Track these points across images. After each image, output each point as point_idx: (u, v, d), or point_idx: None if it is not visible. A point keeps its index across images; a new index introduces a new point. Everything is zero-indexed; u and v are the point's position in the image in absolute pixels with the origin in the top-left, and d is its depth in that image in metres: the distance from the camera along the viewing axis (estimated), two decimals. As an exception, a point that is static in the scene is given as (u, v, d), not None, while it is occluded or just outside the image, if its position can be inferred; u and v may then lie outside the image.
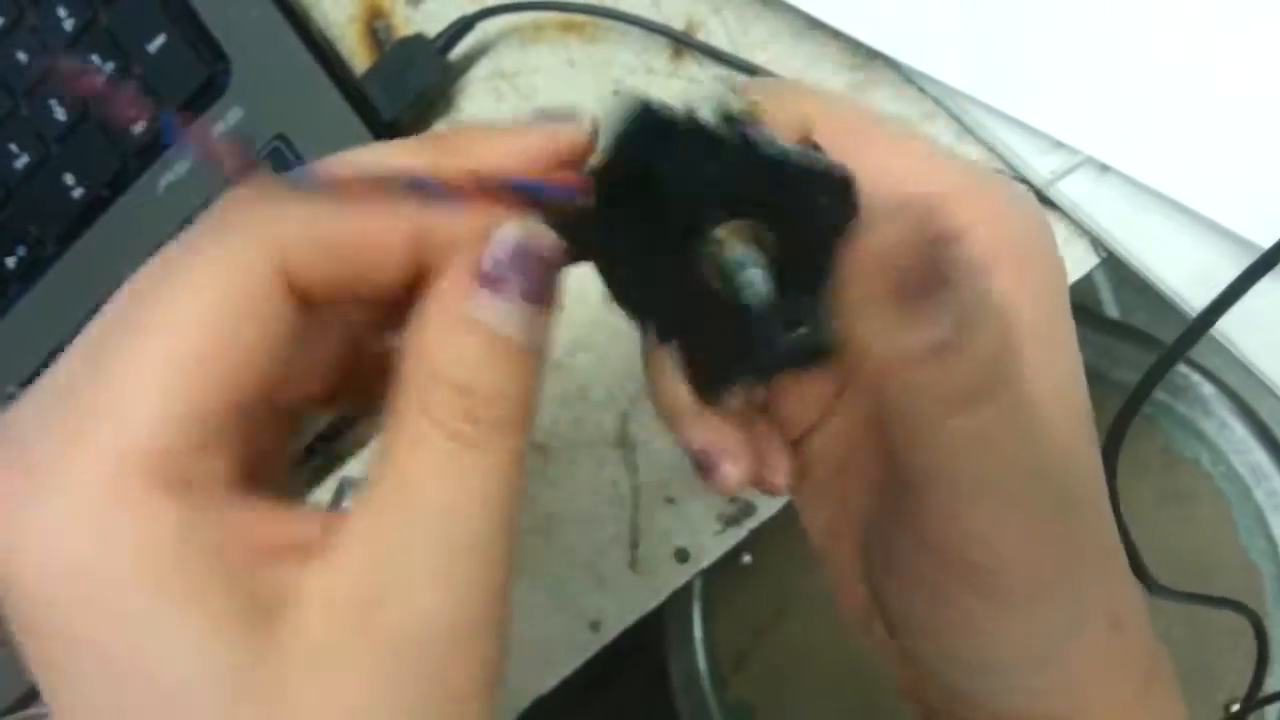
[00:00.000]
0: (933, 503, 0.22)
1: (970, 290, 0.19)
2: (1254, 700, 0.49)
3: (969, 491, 0.22)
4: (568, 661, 0.48)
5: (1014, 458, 0.21)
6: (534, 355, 0.22)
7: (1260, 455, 0.64)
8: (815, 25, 0.43)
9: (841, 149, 0.25)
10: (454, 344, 0.21)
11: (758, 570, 0.72)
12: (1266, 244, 0.37)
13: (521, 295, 0.21)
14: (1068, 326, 0.25)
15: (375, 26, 0.49)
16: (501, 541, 0.21)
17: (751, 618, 0.75)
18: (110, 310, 0.21)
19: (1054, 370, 0.25)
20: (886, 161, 0.24)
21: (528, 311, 0.21)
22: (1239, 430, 0.64)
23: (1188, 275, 0.40)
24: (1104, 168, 0.40)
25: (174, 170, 0.49)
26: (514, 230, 0.22)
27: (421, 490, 0.20)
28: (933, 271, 0.19)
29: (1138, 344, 0.62)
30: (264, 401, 0.21)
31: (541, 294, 0.22)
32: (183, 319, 0.20)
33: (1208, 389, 0.63)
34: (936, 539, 0.23)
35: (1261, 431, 0.64)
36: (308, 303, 0.22)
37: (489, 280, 0.21)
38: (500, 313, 0.21)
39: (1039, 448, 0.22)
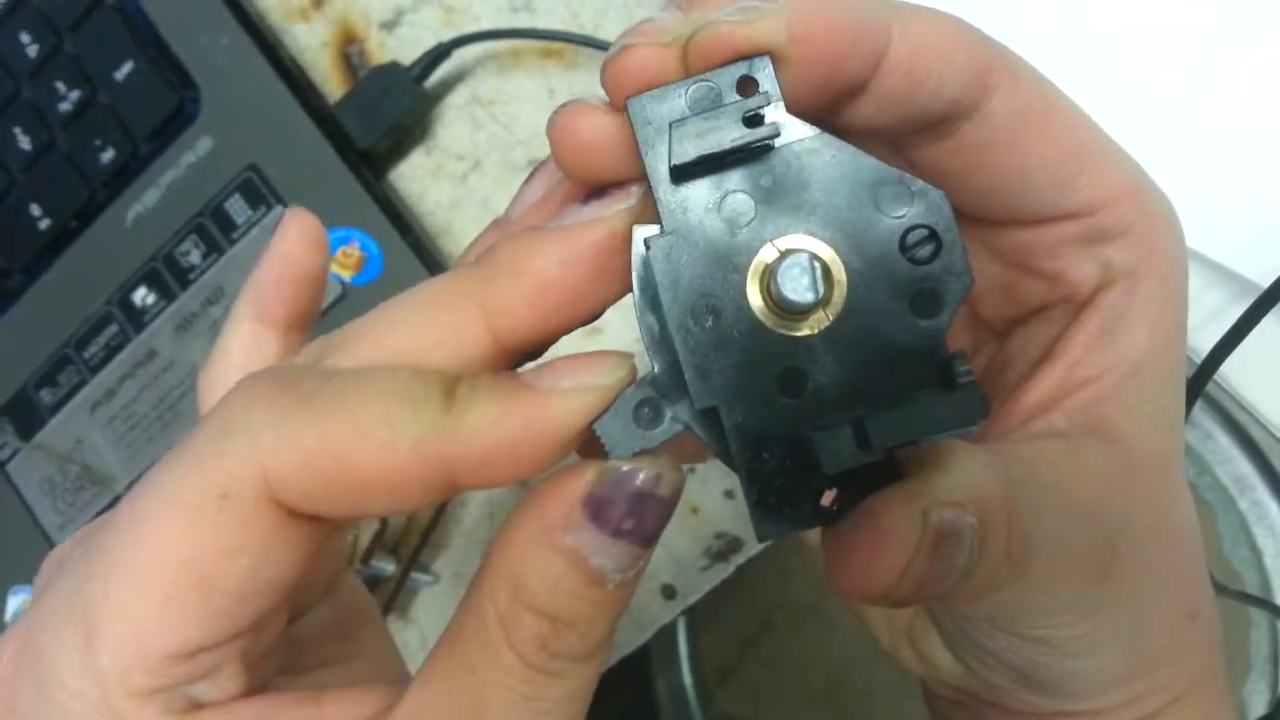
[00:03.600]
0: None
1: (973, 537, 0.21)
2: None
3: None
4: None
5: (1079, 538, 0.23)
6: (628, 587, 0.20)
7: (1244, 466, 0.64)
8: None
9: (1010, 132, 0.22)
10: (545, 569, 0.19)
11: (743, 584, 0.71)
12: (1260, 280, 0.37)
13: (628, 537, 0.19)
14: (1180, 359, 0.25)
15: (349, 53, 0.48)
16: None
17: (738, 632, 0.75)
18: (119, 514, 0.20)
19: (1156, 397, 0.24)
20: (1054, 145, 0.23)
21: (631, 551, 0.20)
22: (1223, 441, 0.64)
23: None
24: (1094, 202, 0.39)
25: (143, 201, 0.47)
26: (638, 473, 0.19)
27: (494, 712, 0.20)
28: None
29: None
30: (275, 612, 0.21)
31: (653, 539, 0.20)
32: (178, 550, 0.19)
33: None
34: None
35: (1245, 442, 0.64)
36: (316, 520, 0.20)
37: (594, 513, 0.19)
38: (600, 548, 0.19)
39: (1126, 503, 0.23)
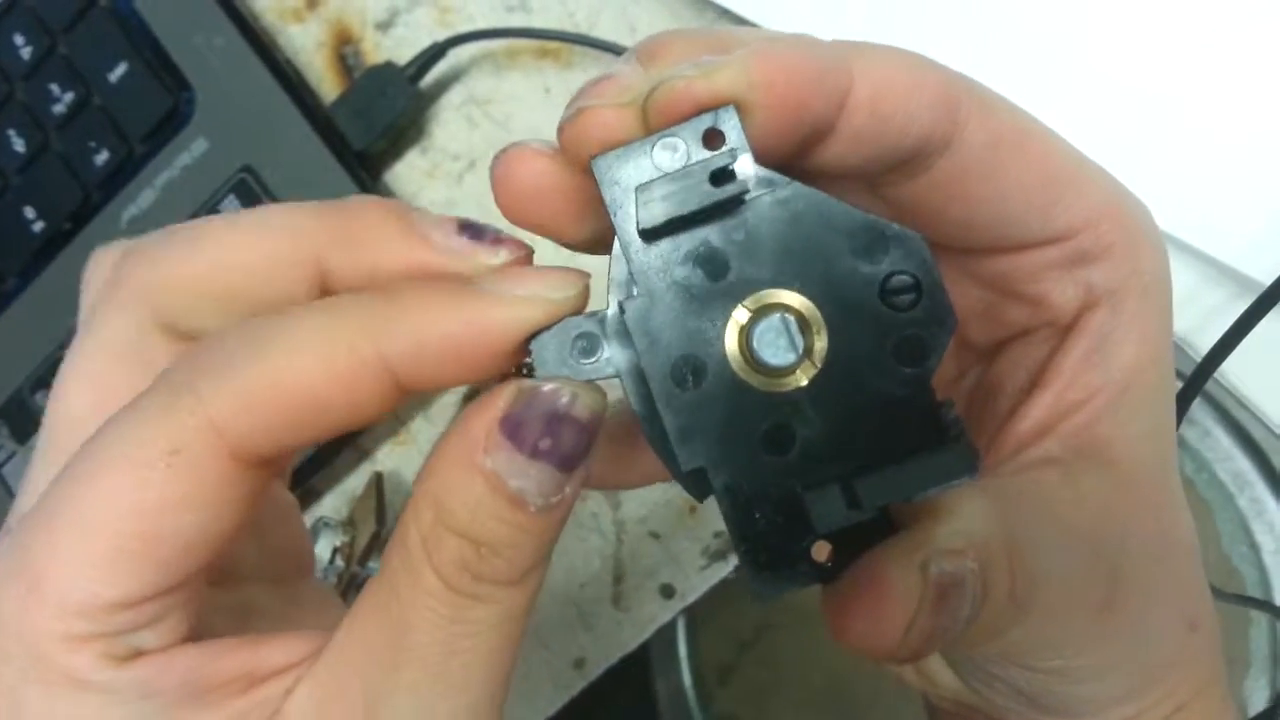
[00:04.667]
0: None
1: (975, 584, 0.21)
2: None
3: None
4: (551, 700, 0.47)
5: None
6: (554, 512, 0.20)
7: (1243, 463, 0.64)
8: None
9: (985, 163, 0.22)
10: (465, 491, 0.19)
11: (743, 584, 0.71)
12: (1260, 277, 0.37)
13: (546, 457, 0.19)
14: (1169, 370, 0.25)
15: (344, 53, 0.48)
16: (493, 692, 0.21)
17: (736, 631, 0.75)
18: (66, 472, 0.20)
19: (1148, 413, 0.24)
20: (1030, 171, 0.23)
21: (550, 474, 0.20)
22: (1222, 438, 0.64)
23: (1177, 305, 0.39)
24: (1092, 199, 0.39)
25: (138, 203, 0.47)
26: (554, 393, 0.20)
27: (417, 635, 0.20)
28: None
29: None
30: (218, 557, 0.21)
31: (571, 461, 0.20)
32: (126, 504, 0.19)
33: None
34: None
35: (1244, 439, 0.64)
36: (262, 462, 0.21)
37: (510, 432, 0.19)
38: (518, 469, 0.19)
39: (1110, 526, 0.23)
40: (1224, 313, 0.38)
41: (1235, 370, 0.40)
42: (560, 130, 0.20)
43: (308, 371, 0.19)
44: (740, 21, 0.42)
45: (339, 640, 0.21)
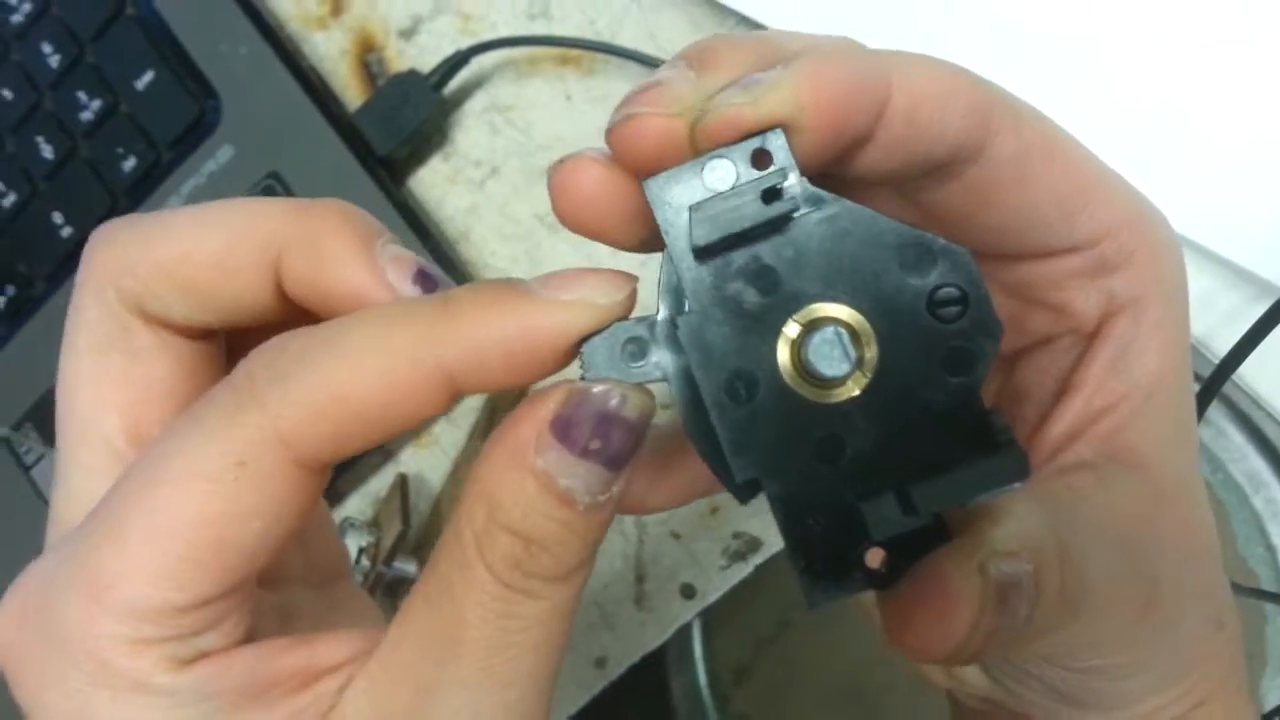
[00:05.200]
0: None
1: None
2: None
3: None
4: (573, 699, 0.47)
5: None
6: (601, 511, 0.21)
7: (1258, 463, 0.64)
8: (815, 59, 0.42)
9: (1015, 171, 0.23)
10: (518, 490, 0.20)
11: (759, 583, 0.72)
12: (1273, 278, 0.37)
13: (595, 457, 0.20)
14: (1188, 376, 0.26)
15: (368, 61, 0.48)
16: (540, 686, 0.21)
17: (753, 630, 0.75)
18: (131, 482, 0.21)
19: (1172, 418, 0.25)
20: (1058, 180, 0.23)
21: (598, 473, 0.20)
22: (1236, 438, 0.64)
23: (1193, 308, 0.40)
24: (1109, 203, 0.39)
25: (165, 209, 0.48)
26: (605, 394, 0.20)
27: (469, 630, 0.20)
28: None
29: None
30: (276, 560, 0.22)
31: (620, 461, 0.20)
32: (196, 515, 0.20)
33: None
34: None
35: (1259, 439, 0.64)
36: (321, 468, 0.21)
37: (561, 432, 0.20)
38: (568, 468, 0.20)
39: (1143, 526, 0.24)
40: (1240, 315, 0.38)
41: (1250, 372, 0.41)
42: (609, 134, 0.20)
43: (371, 381, 0.20)
44: (759, 28, 0.43)
45: (392, 637, 0.21)
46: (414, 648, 0.21)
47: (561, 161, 0.21)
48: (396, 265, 0.23)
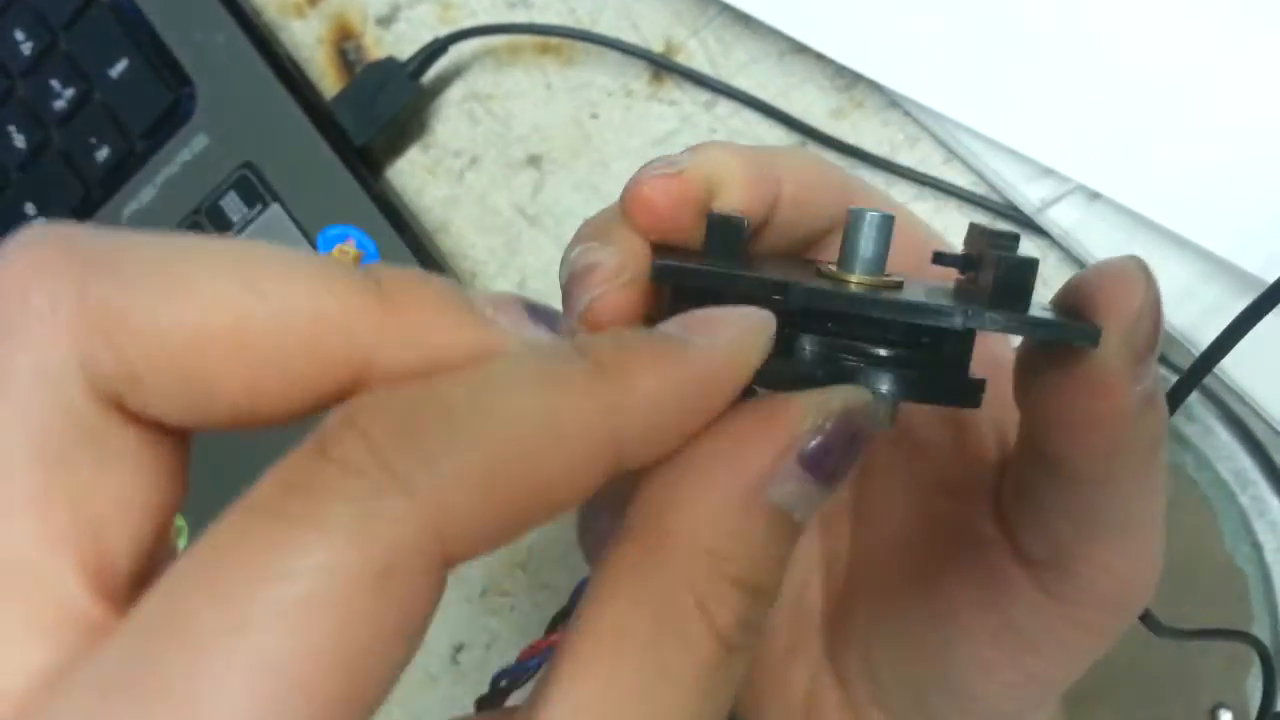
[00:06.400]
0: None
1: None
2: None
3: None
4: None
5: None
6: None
7: (1245, 461, 0.64)
8: (798, 48, 0.42)
9: None
10: (748, 534, 0.17)
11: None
12: (1257, 272, 0.37)
13: (836, 480, 0.18)
14: None
15: (345, 49, 0.48)
16: None
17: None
18: (212, 637, 0.14)
19: None
20: (915, 243, 0.26)
21: (826, 492, 0.18)
22: (1223, 436, 0.64)
23: (1173, 299, 0.39)
24: (1094, 195, 0.39)
25: (139, 199, 0.47)
26: (860, 409, 0.18)
27: (679, 698, 0.16)
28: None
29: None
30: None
31: (849, 476, 0.18)
32: (328, 655, 0.14)
33: (1191, 395, 0.63)
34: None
35: (1246, 436, 0.64)
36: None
37: (815, 463, 0.17)
38: (807, 499, 0.17)
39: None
40: (1222, 308, 0.38)
41: (1237, 367, 0.40)
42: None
43: (544, 457, 0.15)
44: (741, 17, 0.42)
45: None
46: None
47: (637, 179, 0.23)
48: (503, 311, 0.18)
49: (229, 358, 0.15)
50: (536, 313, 0.18)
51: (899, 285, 0.21)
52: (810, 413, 0.18)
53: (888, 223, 0.21)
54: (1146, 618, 0.42)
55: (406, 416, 0.15)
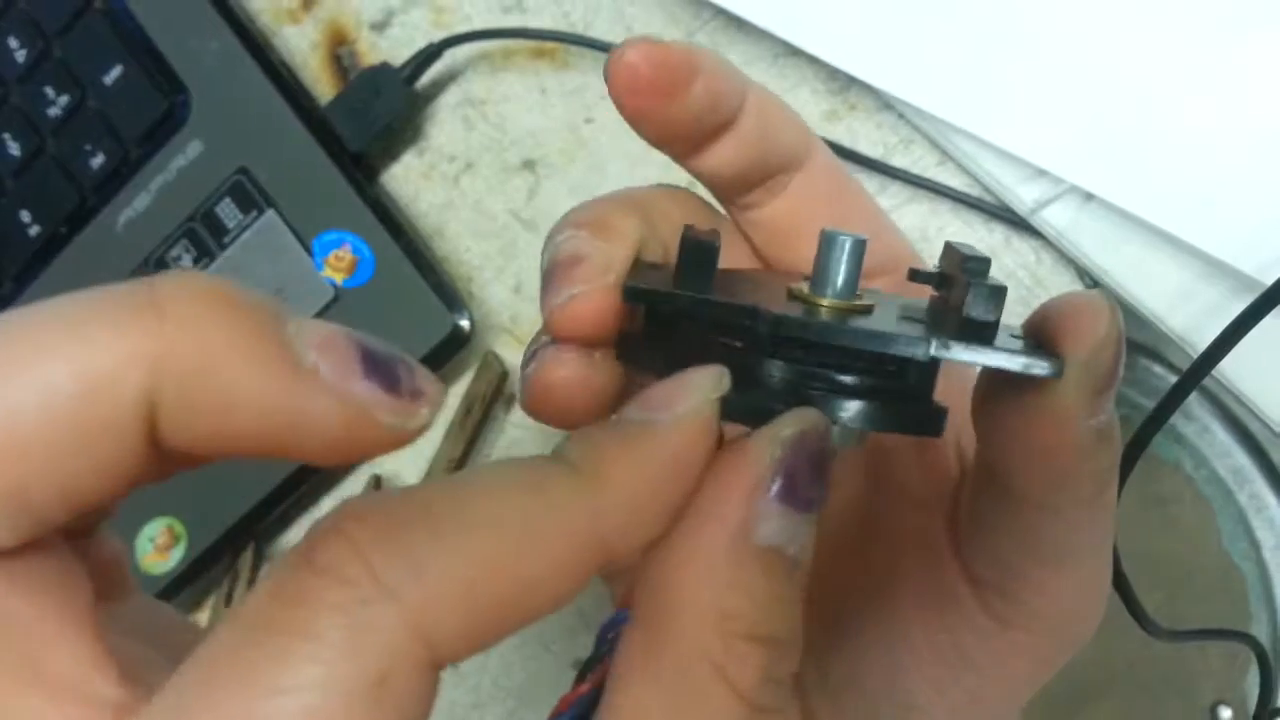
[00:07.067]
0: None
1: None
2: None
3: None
4: (551, 704, 0.47)
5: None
6: (806, 571, 0.17)
7: (1242, 459, 0.64)
8: (792, 51, 0.42)
9: (829, 184, 0.26)
10: (749, 584, 0.16)
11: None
12: (1253, 272, 0.37)
13: (812, 506, 0.17)
14: None
15: (339, 54, 0.48)
16: None
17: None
18: None
19: None
20: (862, 207, 0.27)
21: (810, 520, 0.17)
22: (1220, 434, 0.64)
23: (1169, 300, 0.39)
24: (1088, 196, 0.39)
25: (133, 206, 0.47)
26: (815, 429, 0.17)
27: None
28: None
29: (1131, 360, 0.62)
30: None
31: (825, 498, 0.18)
32: None
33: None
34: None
35: (1243, 435, 0.64)
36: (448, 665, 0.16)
37: (786, 492, 0.17)
38: (790, 532, 0.17)
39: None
40: (1220, 309, 0.38)
41: (1233, 367, 0.40)
42: (553, 314, 0.22)
43: (529, 561, 0.16)
44: (735, 21, 0.42)
45: None
46: None
47: (617, 53, 0.22)
48: (329, 355, 0.16)
49: (26, 457, 0.14)
50: (374, 362, 0.16)
51: (869, 309, 0.21)
52: (767, 447, 0.17)
53: (859, 246, 0.21)
54: (1144, 621, 0.42)
55: (391, 523, 0.15)
